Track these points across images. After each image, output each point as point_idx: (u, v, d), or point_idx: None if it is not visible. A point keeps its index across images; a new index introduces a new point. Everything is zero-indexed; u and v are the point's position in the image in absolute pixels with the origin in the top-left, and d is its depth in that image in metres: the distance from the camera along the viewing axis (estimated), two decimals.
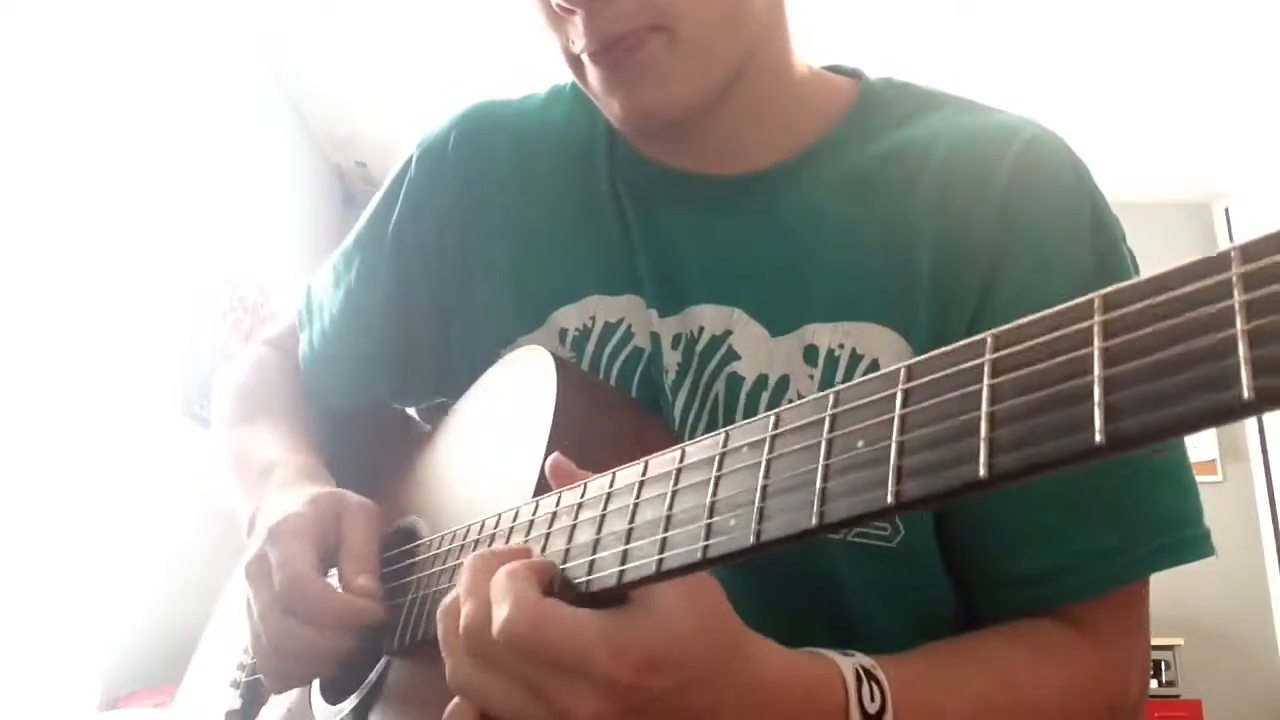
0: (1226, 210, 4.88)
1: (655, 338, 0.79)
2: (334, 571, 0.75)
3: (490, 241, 0.88)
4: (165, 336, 3.02)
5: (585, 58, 0.73)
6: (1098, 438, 0.28)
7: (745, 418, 0.74)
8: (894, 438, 0.36)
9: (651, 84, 0.72)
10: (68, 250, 2.48)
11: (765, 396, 0.75)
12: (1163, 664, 4.10)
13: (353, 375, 0.99)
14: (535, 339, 0.83)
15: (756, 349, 0.76)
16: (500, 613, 0.51)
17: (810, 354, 0.74)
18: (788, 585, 0.73)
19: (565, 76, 0.93)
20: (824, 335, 0.74)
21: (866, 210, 0.77)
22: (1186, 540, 0.72)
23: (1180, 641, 4.12)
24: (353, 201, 4.88)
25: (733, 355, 0.76)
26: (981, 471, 0.32)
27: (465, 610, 0.54)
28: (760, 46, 0.77)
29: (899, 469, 0.35)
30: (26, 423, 2.30)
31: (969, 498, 0.33)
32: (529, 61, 3.97)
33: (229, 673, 0.93)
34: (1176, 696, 4.05)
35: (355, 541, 0.74)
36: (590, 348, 0.81)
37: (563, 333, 0.82)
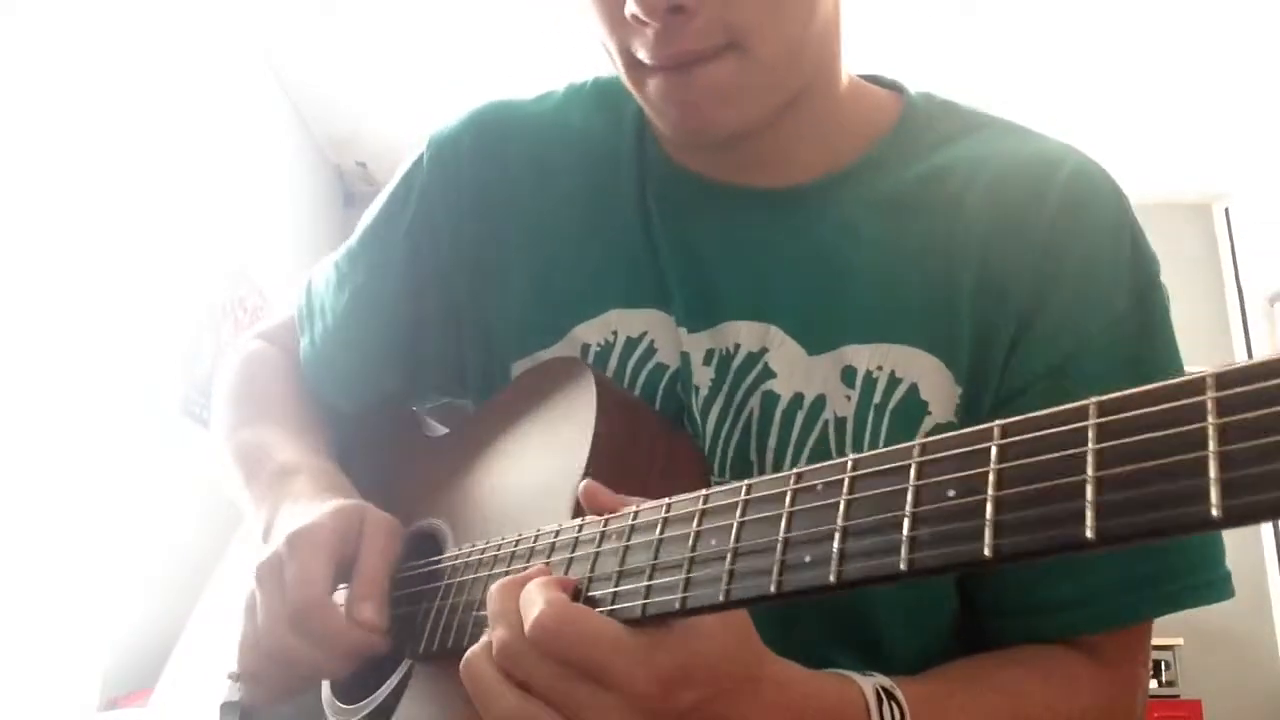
0: (1226, 210, 4.88)
1: (684, 355, 0.77)
2: (344, 587, 0.74)
3: (507, 247, 0.86)
4: (165, 336, 3.01)
5: (649, 65, 0.71)
6: (1214, 512, 0.29)
7: (779, 437, 0.75)
8: (989, 492, 0.36)
9: (717, 101, 0.71)
10: (68, 250, 2.47)
11: (800, 416, 0.75)
12: (1163, 664, 4.11)
13: (357, 375, 0.97)
14: (555, 353, 0.82)
15: (793, 367, 0.75)
16: (531, 613, 0.52)
17: (848, 375, 0.74)
18: (814, 607, 0.74)
19: (566, 77, 0.92)
20: (862, 356, 0.74)
21: (908, 231, 0.76)
22: (1212, 582, 0.73)
23: (1180, 641, 4.13)
24: (353, 202, 4.87)
25: (768, 373, 0.76)
26: (1089, 534, 0.32)
27: (497, 634, 0.54)
28: (819, 67, 0.77)
29: (997, 524, 0.36)
30: (26, 423, 2.29)
31: (1066, 556, 0.34)
32: (529, 61, 3.95)
33: (226, 664, 0.91)
34: (1176, 696, 4.05)
35: (369, 564, 0.73)
36: (613, 363, 0.80)
37: (584, 348, 0.81)
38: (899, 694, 0.62)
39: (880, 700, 0.61)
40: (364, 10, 3.69)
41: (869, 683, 0.62)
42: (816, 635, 0.73)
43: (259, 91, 3.98)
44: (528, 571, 0.58)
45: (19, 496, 2.26)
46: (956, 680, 0.70)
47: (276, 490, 0.84)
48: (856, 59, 0.86)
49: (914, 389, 0.73)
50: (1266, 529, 4.60)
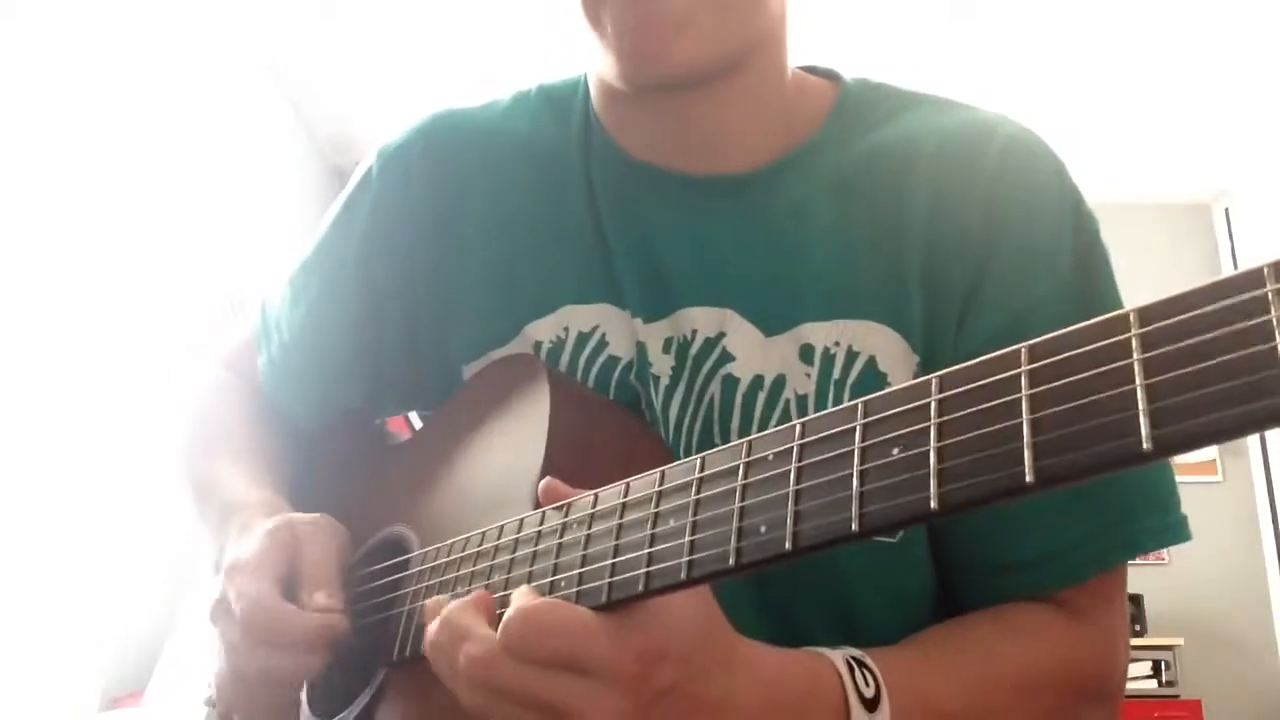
0: (1226, 210, 4.88)
1: (640, 346, 0.78)
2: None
3: (462, 254, 0.86)
4: (165, 337, 3.02)
5: None
6: (1145, 444, 0.29)
7: (742, 419, 0.76)
8: (932, 444, 0.36)
9: (672, 26, 0.71)
10: (69, 252, 2.48)
11: (762, 397, 0.76)
12: (1163, 664, 4.10)
13: (317, 390, 0.97)
14: (508, 352, 0.82)
15: (751, 350, 0.76)
16: (505, 620, 0.52)
17: (806, 353, 0.75)
18: (788, 584, 0.74)
19: (565, 77, 0.93)
20: (819, 334, 0.75)
21: (855, 209, 0.78)
22: (1169, 525, 0.73)
23: (1180, 641, 4.12)
24: None
25: (727, 357, 0.77)
26: (1028, 476, 0.32)
27: (466, 649, 0.54)
28: (768, 40, 0.78)
29: (941, 473, 0.36)
30: (27, 423, 2.30)
31: (1009, 502, 0.34)
32: (528, 62, 3.97)
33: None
34: (1176, 696, 4.05)
35: (311, 563, 0.73)
36: (565, 359, 0.81)
37: (536, 345, 0.81)
38: (869, 661, 0.63)
39: (852, 669, 0.62)
40: (364, 12, 3.71)
41: (838, 654, 0.63)
42: (795, 615, 0.74)
43: (259, 93, 3.99)
44: (477, 593, 0.58)
45: (20, 497, 2.26)
46: (927, 644, 0.71)
47: (222, 529, 0.84)
48: (850, 62, 0.88)
49: (872, 361, 0.74)
50: (1266, 530, 4.60)
